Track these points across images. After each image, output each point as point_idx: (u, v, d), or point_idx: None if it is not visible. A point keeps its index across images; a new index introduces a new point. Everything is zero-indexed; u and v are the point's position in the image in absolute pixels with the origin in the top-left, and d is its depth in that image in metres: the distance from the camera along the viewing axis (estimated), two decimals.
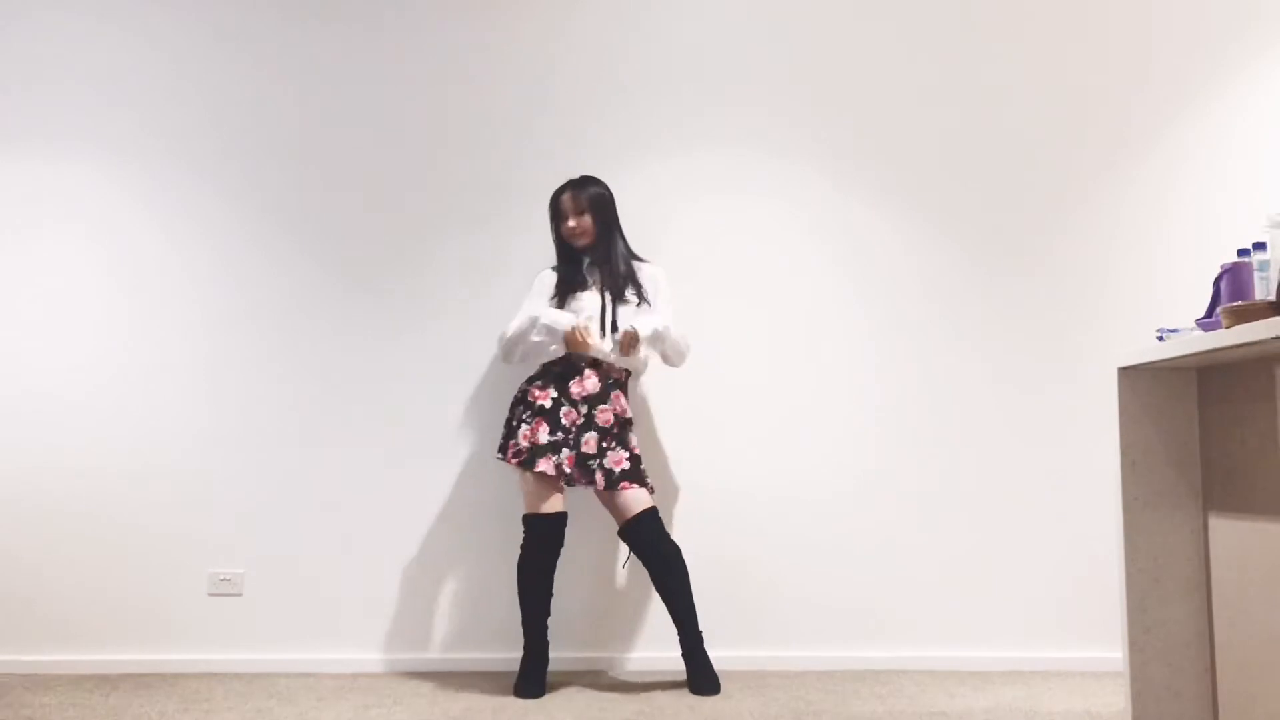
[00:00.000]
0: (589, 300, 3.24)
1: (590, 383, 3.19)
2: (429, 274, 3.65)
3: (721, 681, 3.14)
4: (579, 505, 3.33)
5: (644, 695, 3.09)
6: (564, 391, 3.18)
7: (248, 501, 3.57)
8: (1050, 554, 3.47)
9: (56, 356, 3.61)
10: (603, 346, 3.19)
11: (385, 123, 3.70)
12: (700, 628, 3.16)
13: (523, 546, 3.17)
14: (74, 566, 3.54)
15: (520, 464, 3.14)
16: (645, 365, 3.37)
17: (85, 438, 3.58)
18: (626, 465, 3.14)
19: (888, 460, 3.54)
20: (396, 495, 3.57)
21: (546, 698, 3.06)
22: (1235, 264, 2.42)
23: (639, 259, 3.35)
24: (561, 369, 3.21)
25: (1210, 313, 2.49)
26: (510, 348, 3.27)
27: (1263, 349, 2.12)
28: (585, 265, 3.31)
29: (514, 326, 3.26)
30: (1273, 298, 2.15)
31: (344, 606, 3.53)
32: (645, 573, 3.46)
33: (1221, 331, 2.12)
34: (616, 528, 3.20)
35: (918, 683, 3.22)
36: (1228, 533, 2.49)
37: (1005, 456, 3.52)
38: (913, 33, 3.68)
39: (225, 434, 3.59)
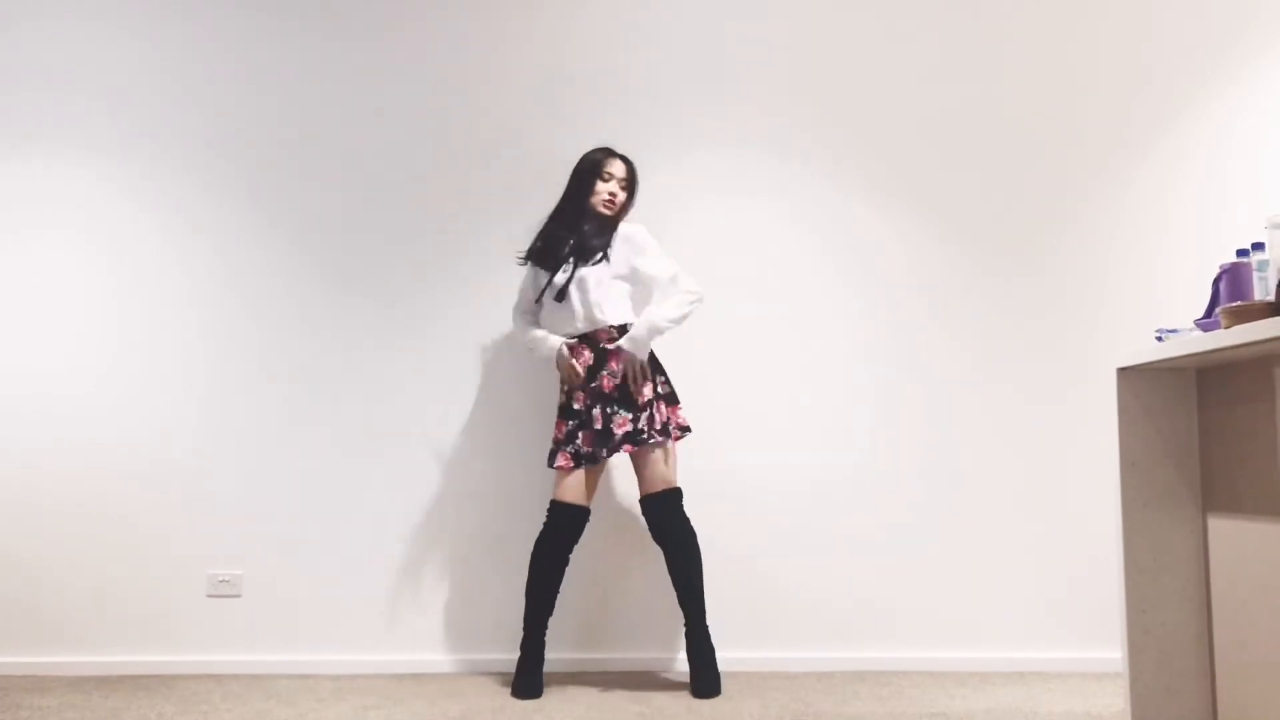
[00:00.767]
0: (559, 276, 3.21)
1: (584, 359, 3.18)
2: (429, 275, 3.65)
3: (722, 682, 3.13)
4: None
5: (644, 696, 3.08)
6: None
7: (246, 503, 3.56)
8: (1050, 555, 3.47)
9: (55, 358, 3.61)
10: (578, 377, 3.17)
11: (385, 125, 3.70)
12: (708, 623, 3.16)
13: (540, 533, 3.18)
14: (72, 568, 3.54)
15: (552, 466, 3.17)
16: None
17: (83, 439, 3.58)
18: (629, 427, 3.11)
19: (887, 461, 3.54)
20: (395, 497, 3.56)
21: (545, 698, 3.06)
22: (1234, 264, 2.42)
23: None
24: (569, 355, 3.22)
25: (1209, 313, 2.49)
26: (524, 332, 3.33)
27: (1262, 349, 2.12)
28: (574, 233, 3.25)
29: (515, 318, 3.36)
30: (1271, 298, 2.15)
31: (343, 607, 3.53)
32: (645, 573, 3.47)
33: (1220, 332, 2.12)
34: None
35: (917, 683, 3.22)
36: (1227, 533, 2.49)
37: (1004, 457, 3.52)
38: (912, 34, 3.68)
39: (224, 435, 3.59)
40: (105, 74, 3.71)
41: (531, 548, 3.18)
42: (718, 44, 3.70)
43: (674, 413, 3.21)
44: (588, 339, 3.20)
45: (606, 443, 3.11)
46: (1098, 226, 3.59)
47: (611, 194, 3.26)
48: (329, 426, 3.59)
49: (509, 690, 3.13)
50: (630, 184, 3.31)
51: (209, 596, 3.54)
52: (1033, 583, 3.46)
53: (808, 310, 3.61)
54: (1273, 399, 2.30)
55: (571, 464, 3.14)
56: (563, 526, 3.14)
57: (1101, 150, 3.62)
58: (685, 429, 3.22)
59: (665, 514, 3.13)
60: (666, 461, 3.16)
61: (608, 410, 3.13)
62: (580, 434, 3.15)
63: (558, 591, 3.18)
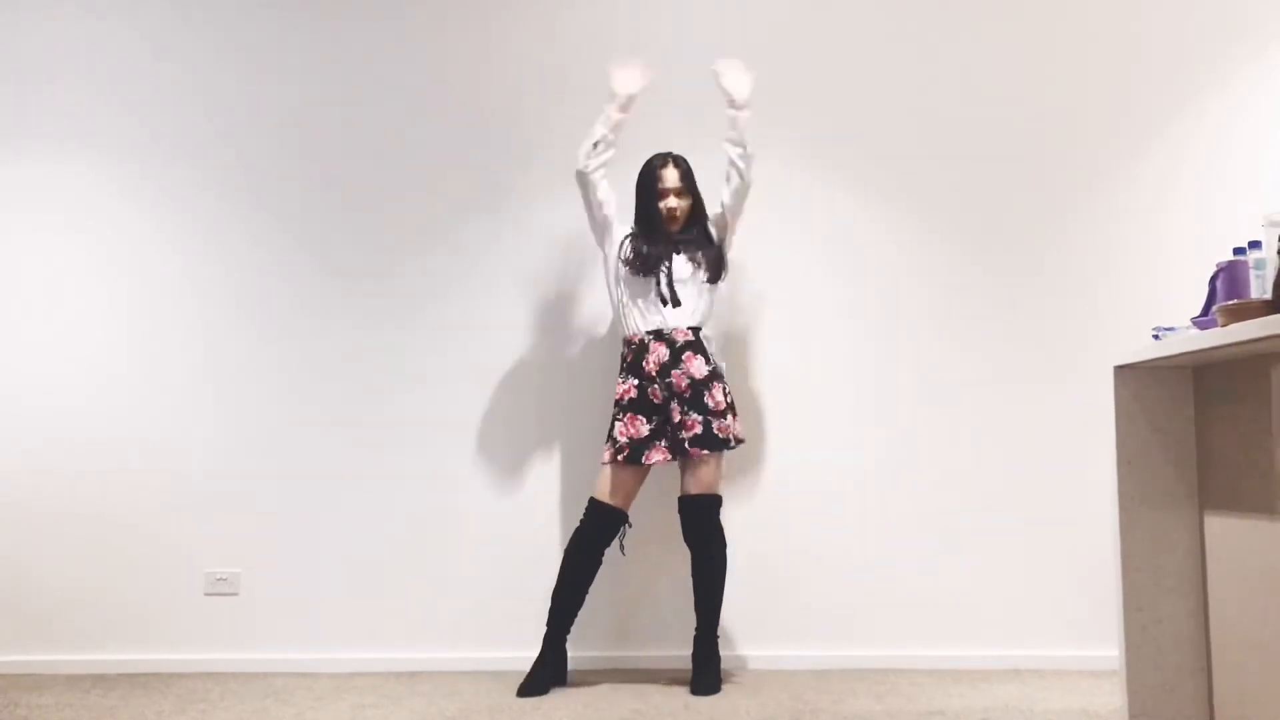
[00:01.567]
0: (656, 268, 3.18)
1: (657, 355, 3.14)
2: (429, 274, 3.64)
3: (721, 681, 3.14)
4: (579, 503, 3.32)
5: (641, 694, 3.08)
6: (640, 374, 3.15)
7: (244, 501, 3.56)
8: (1047, 553, 3.47)
9: (53, 357, 3.61)
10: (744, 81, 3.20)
11: (387, 122, 3.69)
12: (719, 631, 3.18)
13: (577, 529, 3.17)
14: (70, 566, 3.54)
15: (626, 460, 3.11)
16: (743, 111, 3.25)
17: (81, 438, 3.58)
18: (699, 430, 3.10)
19: (885, 461, 3.54)
20: (393, 494, 3.56)
21: (544, 697, 3.06)
22: (1231, 263, 2.43)
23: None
24: (634, 356, 3.18)
25: (1206, 311, 2.49)
26: (589, 150, 3.21)
27: (1258, 347, 2.12)
28: (666, 240, 3.22)
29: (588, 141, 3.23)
30: (1268, 296, 2.15)
31: (341, 606, 3.53)
32: (644, 573, 3.47)
33: (1217, 330, 2.13)
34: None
35: (915, 682, 3.22)
36: (1224, 531, 2.49)
37: (1001, 456, 3.52)
38: (910, 33, 3.68)
39: (222, 434, 3.59)
40: (105, 72, 3.70)
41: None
42: (716, 44, 3.69)
43: (736, 423, 3.21)
44: (664, 336, 3.17)
45: (673, 441, 3.12)
46: (1095, 225, 3.59)
47: (671, 209, 3.23)
48: (328, 425, 3.59)
49: (509, 688, 3.13)
50: (688, 184, 3.26)
51: (207, 595, 3.54)
52: (1030, 580, 3.46)
53: (805, 310, 3.60)
54: (1269, 397, 2.30)
55: (670, 457, 3.11)
56: (599, 525, 3.14)
57: (1099, 149, 3.62)
58: (741, 440, 3.23)
59: (705, 519, 3.14)
60: (718, 468, 3.16)
61: (683, 409, 3.11)
62: (668, 428, 3.13)
63: (586, 591, 3.17)
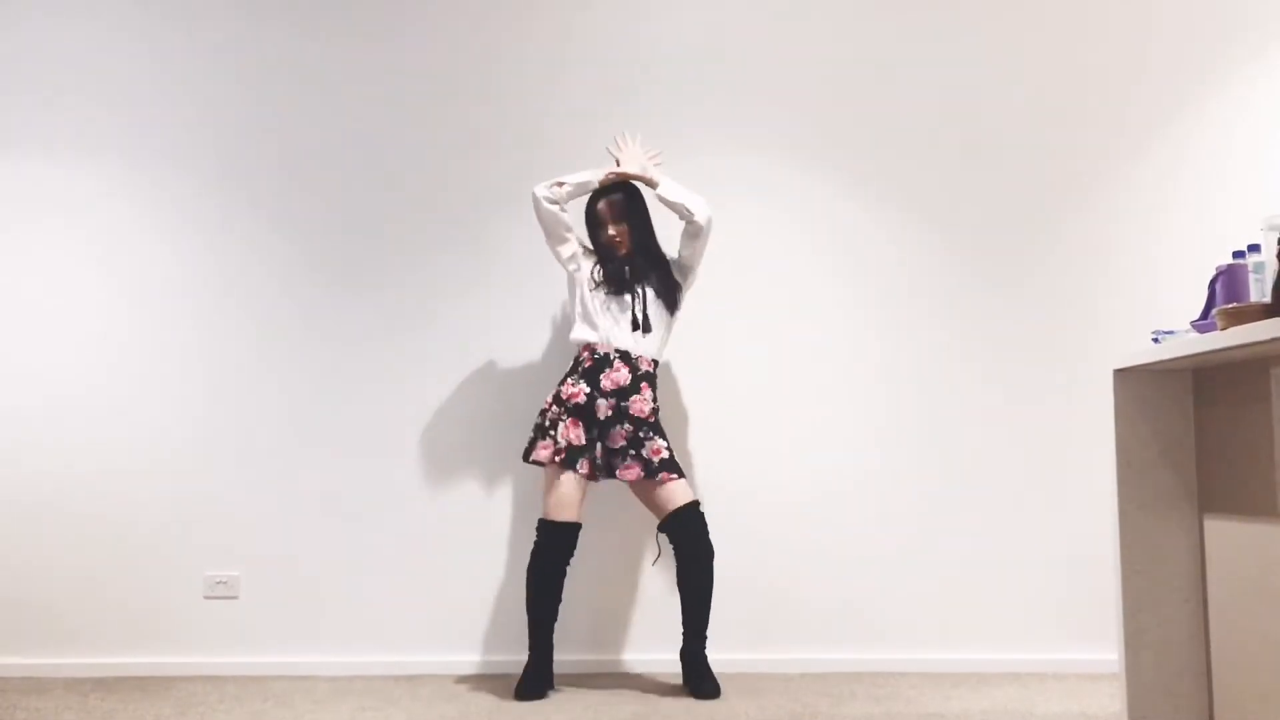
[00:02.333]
0: (624, 290, 3.21)
1: (620, 374, 3.15)
2: (427, 276, 3.65)
3: (720, 683, 3.14)
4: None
5: (641, 697, 3.09)
6: (595, 385, 3.15)
7: (243, 504, 3.56)
8: (1047, 556, 3.47)
9: (51, 358, 3.61)
10: (634, 160, 3.22)
11: (386, 123, 3.69)
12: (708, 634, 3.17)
13: (533, 551, 3.16)
14: (69, 569, 3.53)
15: (562, 463, 3.11)
16: (698, 219, 3.21)
17: (80, 440, 3.58)
18: (665, 455, 3.12)
19: (884, 463, 3.54)
20: (392, 498, 3.56)
21: (543, 700, 3.06)
22: (1230, 266, 2.43)
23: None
24: (592, 365, 3.18)
25: (1205, 314, 2.49)
26: (554, 190, 3.19)
27: (1258, 350, 2.12)
28: (620, 259, 3.25)
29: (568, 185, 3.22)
30: (1268, 300, 2.15)
31: (340, 609, 3.53)
32: (642, 574, 3.47)
33: (1216, 333, 2.13)
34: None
35: (914, 685, 3.22)
36: (1223, 534, 2.49)
37: (1001, 458, 3.52)
38: (909, 34, 3.68)
39: (221, 436, 3.59)
40: (104, 77, 3.70)
41: (530, 553, 3.17)
42: (717, 48, 3.70)
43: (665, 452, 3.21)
44: (628, 359, 3.18)
45: (639, 465, 3.12)
46: (1095, 229, 3.59)
47: (611, 235, 3.24)
48: (327, 429, 3.59)
49: (508, 692, 3.13)
50: (624, 210, 3.24)
51: (206, 598, 3.53)
52: (1029, 584, 3.47)
53: (805, 312, 3.60)
54: (1269, 400, 2.30)
55: (591, 474, 3.12)
56: (556, 545, 3.13)
57: (1099, 153, 3.62)
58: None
59: (693, 529, 3.12)
60: (679, 478, 3.16)
61: (639, 434, 3.12)
62: (599, 445, 3.14)
63: (559, 602, 3.17)
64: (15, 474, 3.56)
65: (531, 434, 3.23)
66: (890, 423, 3.56)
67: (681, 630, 3.17)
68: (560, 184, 3.19)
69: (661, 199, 3.22)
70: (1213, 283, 2.50)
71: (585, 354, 3.21)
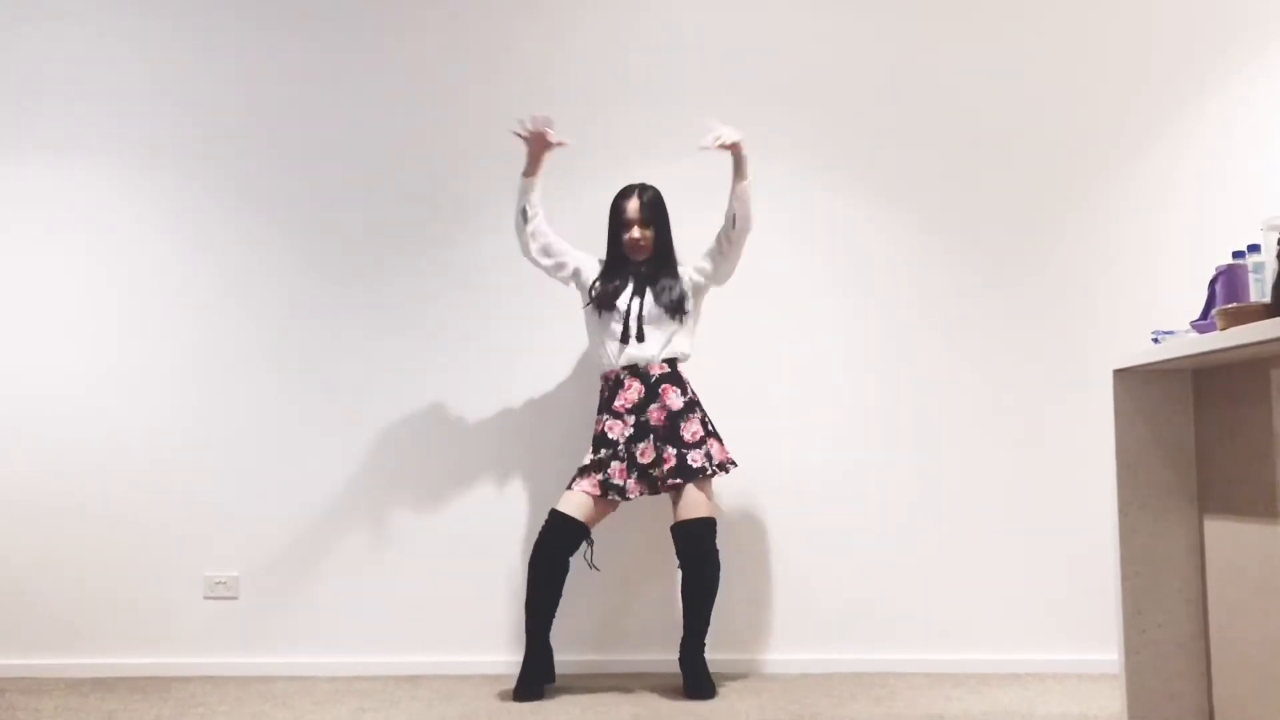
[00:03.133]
0: (620, 304, 3.19)
1: (632, 392, 3.15)
2: (427, 276, 3.65)
3: (718, 684, 3.14)
4: None
5: (640, 698, 3.08)
6: (609, 410, 3.16)
7: (244, 504, 3.56)
8: (1047, 557, 3.46)
9: (50, 359, 3.61)
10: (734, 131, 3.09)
11: (380, 123, 3.69)
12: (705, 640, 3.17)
13: (536, 539, 3.14)
14: (70, 570, 3.54)
15: (600, 496, 3.12)
16: (747, 214, 3.18)
17: (80, 440, 3.58)
18: (673, 463, 3.09)
19: (885, 464, 3.54)
20: (392, 498, 3.56)
21: (542, 701, 3.06)
22: (1230, 266, 2.42)
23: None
24: (608, 392, 3.19)
25: (1205, 315, 2.49)
26: (519, 229, 3.20)
27: (1257, 351, 2.12)
28: (631, 272, 3.23)
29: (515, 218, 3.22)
30: (1267, 300, 2.15)
31: (340, 609, 3.53)
32: (642, 576, 3.47)
33: (1216, 334, 2.13)
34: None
35: (914, 685, 3.22)
36: (1223, 535, 2.49)
37: (1001, 459, 3.52)
38: (908, 36, 3.68)
39: (221, 436, 3.59)
40: (99, 78, 3.71)
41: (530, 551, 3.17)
42: (713, 47, 3.70)
43: (723, 450, 3.21)
44: (638, 371, 3.18)
45: (647, 479, 3.11)
46: (1094, 229, 3.59)
47: (635, 239, 3.22)
48: (327, 429, 3.59)
49: (509, 692, 3.13)
50: (653, 214, 3.23)
51: (206, 598, 3.54)
52: (1029, 584, 3.46)
53: (804, 313, 3.60)
54: (1268, 400, 2.30)
55: (598, 492, 3.10)
56: (559, 538, 3.11)
57: (1098, 153, 3.62)
58: (726, 466, 3.20)
59: (696, 543, 3.10)
60: (706, 492, 3.14)
61: (658, 444, 3.12)
62: (613, 464, 3.12)
63: (558, 597, 3.15)
64: (15, 474, 3.57)
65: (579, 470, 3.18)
66: (891, 424, 3.56)
67: (682, 632, 3.17)
68: (523, 209, 3.18)
69: (739, 193, 3.13)
70: (1212, 283, 2.50)
71: (602, 384, 3.24)
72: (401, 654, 3.50)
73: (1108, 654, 3.25)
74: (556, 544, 3.11)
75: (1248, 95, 3.60)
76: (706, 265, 3.25)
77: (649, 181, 3.31)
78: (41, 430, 3.58)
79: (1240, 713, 2.43)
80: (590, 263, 3.29)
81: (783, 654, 3.46)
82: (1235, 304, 2.26)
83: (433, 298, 3.64)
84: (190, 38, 3.73)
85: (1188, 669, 2.57)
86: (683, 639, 3.16)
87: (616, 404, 3.15)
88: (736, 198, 3.15)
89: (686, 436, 3.12)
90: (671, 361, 3.20)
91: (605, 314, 3.21)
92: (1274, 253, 2.18)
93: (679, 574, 3.19)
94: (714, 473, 3.15)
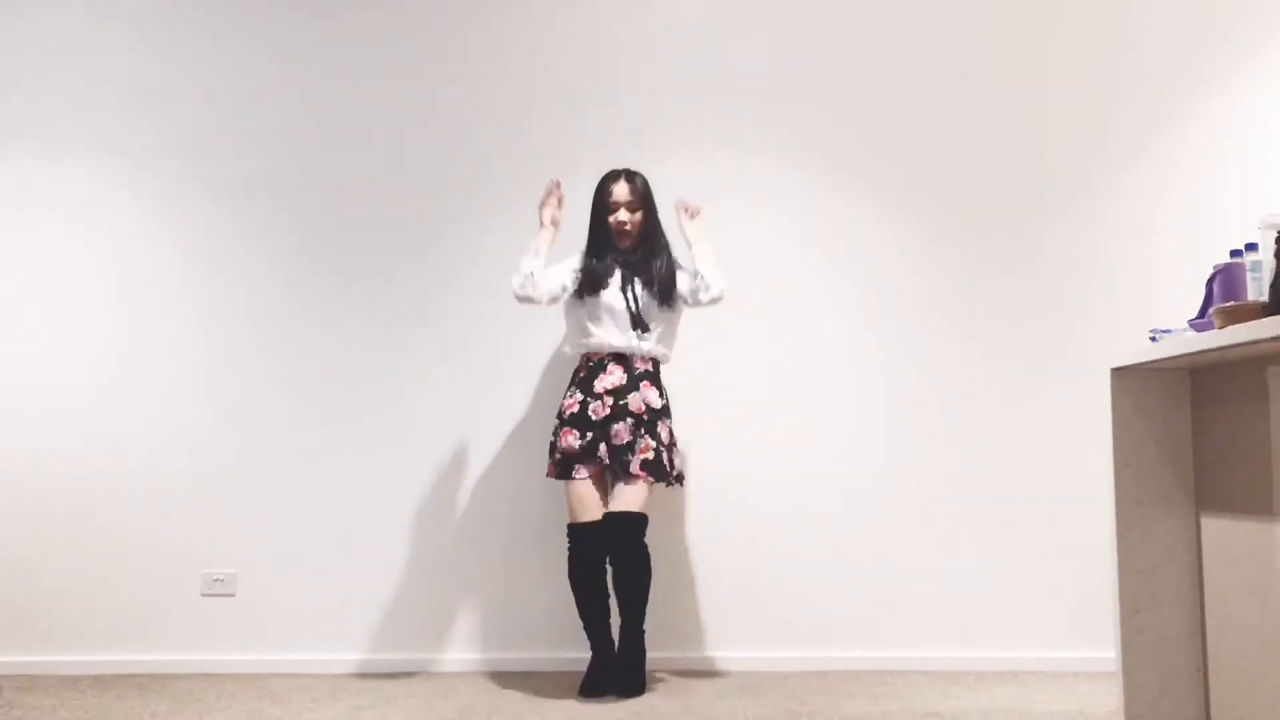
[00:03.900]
0: (613, 291, 3.18)
1: (614, 377, 3.15)
2: (429, 274, 3.64)
3: (718, 680, 3.14)
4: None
5: (640, 697, 3.08)
6: (589, 391, 3.16)
7: (241, 502, 3.56)
8: (1044, 555, 3.47)
9: (47, 356, 3.60)
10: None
11: (387, 120, 3.69)
12: (644, 628, 3.15)
13: (568, 558, 3.15)
14: (67, 567, 3.53)
15: (557, 476, 3.15)
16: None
17: (78, 438, 3.57)
18: (650, 456, 3.10)
19: (882, 463, 3.54)
20: (390, 495, 3.56)
21: (538, 697, 3.05)
22: (1228, 265, 2.43)
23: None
24: (586, 372, 3.19)
25: (1203, 313, 2.49)
26: (522, 281, 3.17)
27: (1255, 349, 2.12)
28: (617, 259, 3.23)
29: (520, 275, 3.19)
30: (1265, 299, 2.15)
31: (338, 607, 3.52)
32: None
33: (1214, 332, 2.13)
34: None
35: (912, 683, 3.22)
36: (1220, 533, 2.49)
37: (999, 457, 3.53)
38: (904, 34, 3.68)
39: (219, 434, 3.59)
40: (101, 69, 3.70)
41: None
42: (711, 45, 3.69)
43: (679, 461, 3.23)
44: (623, 359, 3.18)
45: (621, 460, 3.11)
46: (1092, 228, 3.60)
47: (620, 222, 3.22)
48: (324, 426, 3.59)
49: (506, 689, 3.14)
50: (642, 200, 3.24)
51: (203, 596, 3.53)
52: (1027, 582, 3.47)
53: (802, 312, 3.60)
54: (1266, 399, 2.30)
55: (599, 474, 3.12)
56: (585, 546, 3.11)
57: (1096, 151, 3.62)
58: (681, 480, 3.25)
59: (624, 537, 3.08)
60: (649, 492, 3.13)
61: (637, 431, 3.11)
62: (602, 446, 3.12)
63: (607, 598, 3.14)
64: (12, 472, 3.55)
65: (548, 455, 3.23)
66: (888, 422, 3.56)
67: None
68: (530, 273, 3.15)
69: (695, 258, 3.18)
70: (1210, 281, 2.50)
71: (581, 364, 3.23)
72: (399, 651, 3.50)
73: (1105, 651, 3.25)
74: (584, 554, 3.11)
75: (1245, 93, 3.61)
76: (692, 289, 3.22)
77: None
78: (38, 428, 3.57)
79: (1236, 710, 2.44)
80: (567, 270, 3.25)
81: (780, 651, 3.46)
82: (1233, 302, 2.26)
83: (440, 299, 3.63)
84: (191, 30, 3.72)
85: (1184, 666, 2.58)
86: (622, 631, 3.14)
87: (597, 386, 3.14)
88: (697, 264, 3.17)
89: (664, 436, 3.15)
90: (654, 361, 3.22)
91: (590, 299, 3.20)
92: (1272, 251, 2.18)
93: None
94: (673, 484, 3.19)
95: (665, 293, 3.20)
